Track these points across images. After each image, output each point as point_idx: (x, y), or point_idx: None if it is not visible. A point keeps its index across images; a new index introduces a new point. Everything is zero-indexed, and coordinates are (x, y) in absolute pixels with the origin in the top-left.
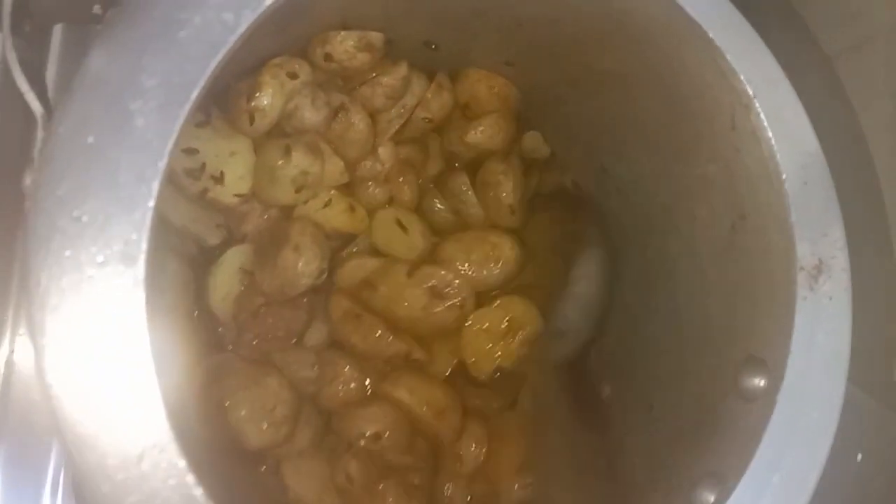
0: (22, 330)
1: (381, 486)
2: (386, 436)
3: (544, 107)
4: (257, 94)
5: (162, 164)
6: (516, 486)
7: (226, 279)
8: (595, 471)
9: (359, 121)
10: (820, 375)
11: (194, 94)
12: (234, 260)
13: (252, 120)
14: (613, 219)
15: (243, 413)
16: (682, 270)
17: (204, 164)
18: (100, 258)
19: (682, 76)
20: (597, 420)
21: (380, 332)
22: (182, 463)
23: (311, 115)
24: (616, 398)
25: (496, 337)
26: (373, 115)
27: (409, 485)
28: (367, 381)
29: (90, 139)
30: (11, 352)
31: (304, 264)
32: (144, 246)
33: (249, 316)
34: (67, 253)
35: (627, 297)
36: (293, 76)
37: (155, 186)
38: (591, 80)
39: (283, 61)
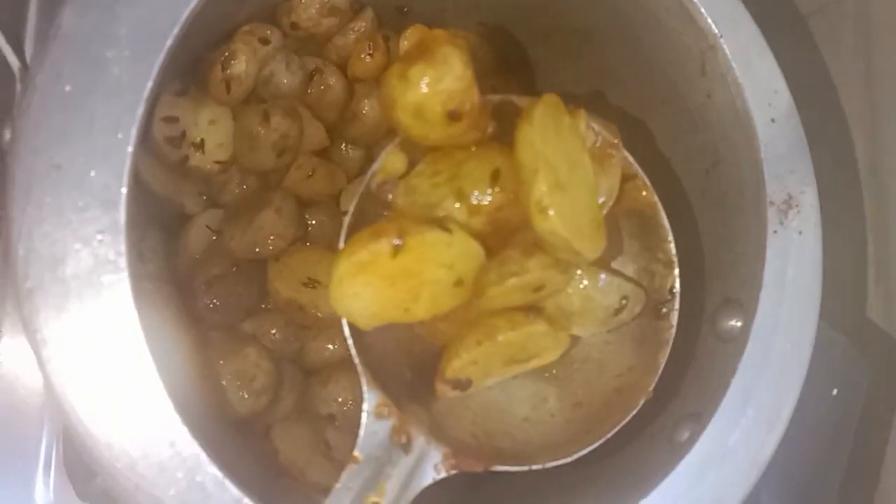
0: (10, 308)
1: None
2: (340, 415)
3: (520, 67)
4: (232, 62)
5: (139, 110)
6: None
7: (196, 241)
8: None
9: (335, 82)
10: (792, 309)
11: (168, 43)
12: (205, 221)
13: (229, 88)
14: None
15: (223, 383)
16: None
17: (184, 132)
18: (80, 203)
19: (652, 26)
20: None
21: None
22: (176, 416)
23: (286, 79)
24: None
25: None
26: (352, 66)
27: None
28: None
29: (67, 88)
30: None
31: (283, 227)
32: (124, 191)
33: (203, 283)
34: (48, 200)
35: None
36: (265, 42)
37: (133, 133)
38: (563, 38)
39: (254, 27)
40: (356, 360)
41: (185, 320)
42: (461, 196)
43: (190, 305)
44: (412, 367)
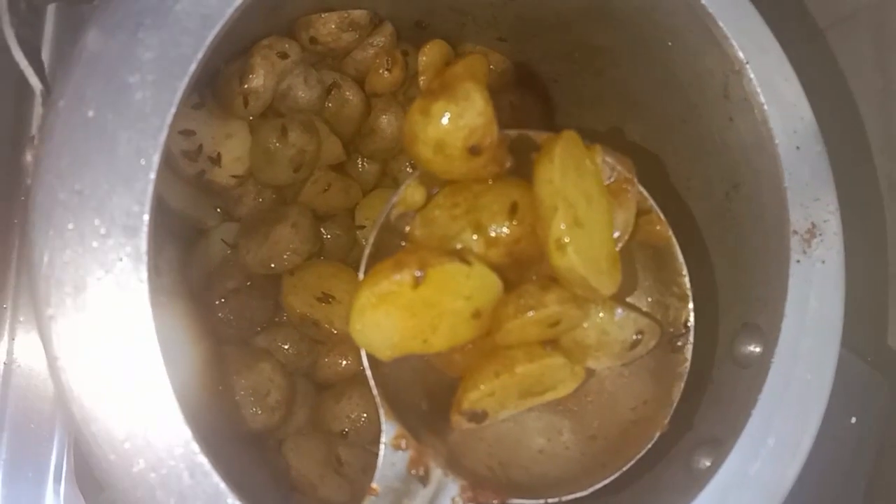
0: (22, 316)
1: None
2: (353, 431)
3: (537, 83)
4: (250, 76)
5: (162, 136)
6: None
7: (211, 255)
8: None
9: (352, 96)
10: (813, 339)
11: (192, 68)
12: (220, 235)
13: (246, 102)
14: None
15: (237, 398)
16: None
17: (201, 146)
18: (102, 230)
19: (675, 47)
20: None
21: None
22: (187, 432)
23: (304, 93)
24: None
25: None
26: (370, 80)
27: None
28: None
29: (90, 113)
30: (12, 339)
31: (299, 243)
32: (146, 218)
33: (217, 297)
34: (70, 226)
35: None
36: (283, 56)
37: (155, 159)
38: (583, 55)
39: (273, 42)
40: (374, 392)
41: (198, 334)
42: (479, 228)
43: (204, 319)
44: (428, 397)
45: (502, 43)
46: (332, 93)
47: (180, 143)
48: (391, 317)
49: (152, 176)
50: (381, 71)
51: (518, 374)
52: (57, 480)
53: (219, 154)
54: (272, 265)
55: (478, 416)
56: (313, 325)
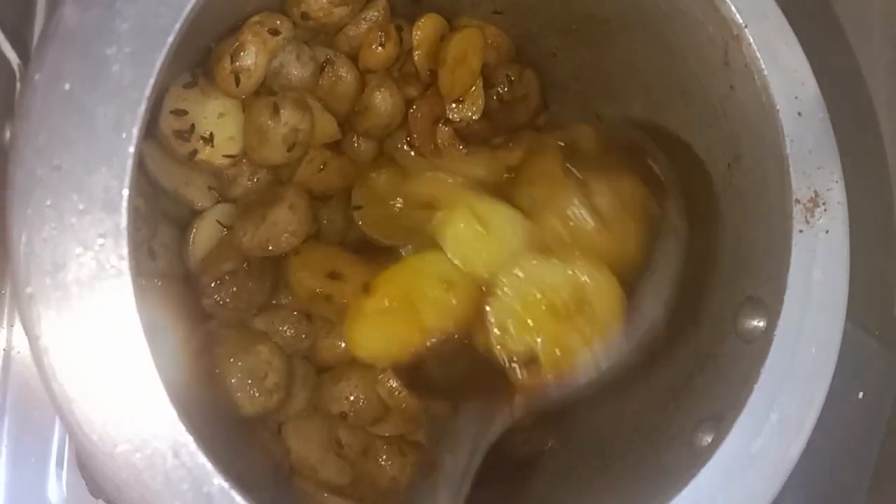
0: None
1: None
2: (352, 413)
3: (535, 56)
4: (241, 54)
5: (140, 109)
6: None
7: (206, 237)
8: None
9: (346, 73)
10: (817, 312)
11: (170, 39)
12: (215, 216)
13: (238, 81)
14: None
15: (234, 381)
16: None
17: (193, 126)
18: (81, 206)
19: (673, 15)
20: None
21: None
22: (172, 412)
23: (297, 71)
24: None
25: None
26: (363, 56)
27: (402, 442)
28: None
29: (66, 86)
30: (11, 326)
31: (297, 224)
32: (126, 192)
33: (213, 280)
34: (48, 202)
35: None
36: (275, 32)
37: (134, 132)
38: (581, 27)
39: (264, 18)
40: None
41: (195, 317)
42: None
43: (201, 302)
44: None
45: (498, 16)
46: (326, 70)
47: (172, 122)
48: (379, 328)
49: (131, 150)
50: (374, 46)
51: None
52: (59, 466)
53: (211, 134)
54: (270, 247)
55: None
56: (325, 301)
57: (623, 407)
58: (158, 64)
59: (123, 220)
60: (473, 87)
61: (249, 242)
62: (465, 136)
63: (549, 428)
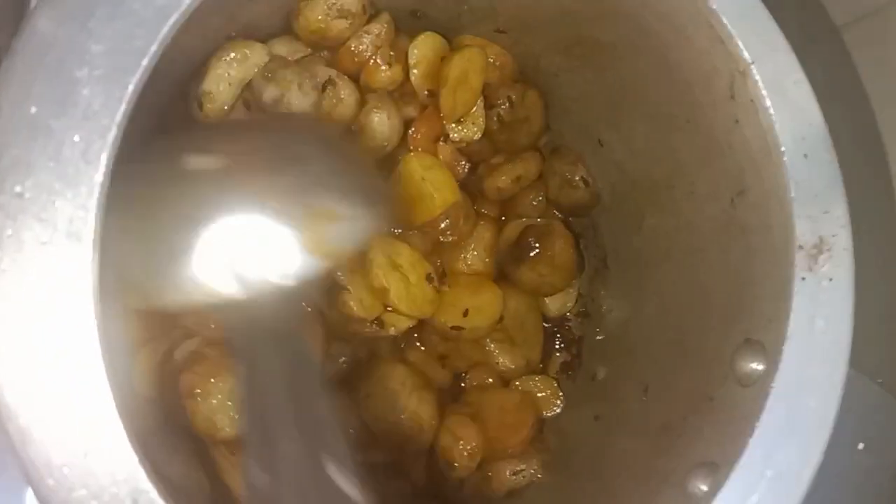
0: None
1: None
2: None
3: (538, 77)
4: (204, 79)
5: (110, 136)
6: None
7: None
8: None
9: (347, 95)
10: (819, 362)
11: (145, 62)
12: None
13: (201, 106)
14: (608, 196)
15: (214, 402)
16: (679, 249)
17: None
18: (43, 238)
19: (679, 43)
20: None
21: None
22: (134, 458)
23: (298, 101)
24: (611, 380)
25: None
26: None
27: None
28: None
29: (33, 109)
30: None
31: None
32: (92, 224)
33: None
34: (8, 232)
35: (623, 276)
36: (244, 59)
37: (103, 160)
38: (585, 49)
39: (233, 45)
40: None
41: (173, 338)
42: None
43: (179, 322)
44: None
45: (501, 35)
46: (327, 90)
47: None
48: None
49: (99, 179)
50: (380, 66)
51: None
52: None
53: None
54: None
55: None
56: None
57: (614, 442)
58: (131, 88)
59: (89, 254)
60: (474, 108)
61: None
62: (468, 153)
63: (538, 456)
